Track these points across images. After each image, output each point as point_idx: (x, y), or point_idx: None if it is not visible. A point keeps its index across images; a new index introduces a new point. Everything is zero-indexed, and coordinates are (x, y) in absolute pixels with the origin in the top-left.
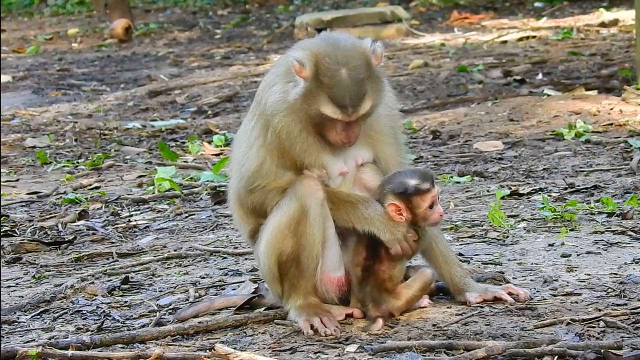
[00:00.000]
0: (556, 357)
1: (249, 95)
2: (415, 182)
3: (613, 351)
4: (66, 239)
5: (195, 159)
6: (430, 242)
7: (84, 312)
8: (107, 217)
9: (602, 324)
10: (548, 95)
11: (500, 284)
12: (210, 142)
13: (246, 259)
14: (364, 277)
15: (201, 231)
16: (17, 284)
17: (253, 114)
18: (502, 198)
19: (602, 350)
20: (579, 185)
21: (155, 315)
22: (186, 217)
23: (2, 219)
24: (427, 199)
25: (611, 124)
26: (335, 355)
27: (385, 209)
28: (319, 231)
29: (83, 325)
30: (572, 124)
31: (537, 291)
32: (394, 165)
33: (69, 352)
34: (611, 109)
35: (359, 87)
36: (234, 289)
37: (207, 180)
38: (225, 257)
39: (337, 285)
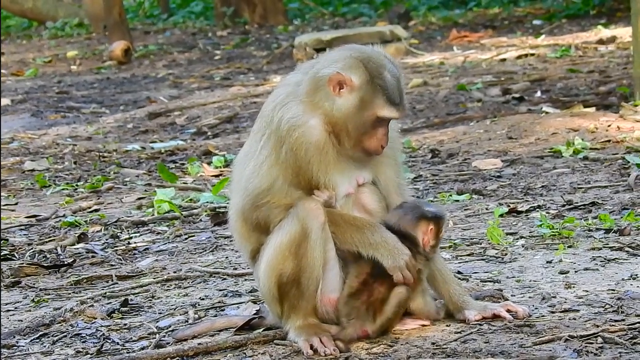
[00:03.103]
0: None
1: (249, 116)
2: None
3: None
4: (65, 262)
5: (194, 181)
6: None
7: (83, 335)
8: (107, 239)
9: (600, 340)
10: (546, 112)
11: (499, 302)
12: (209, 164)
13: (246, 279)
14: (359, 291)
15: (201, 252)
16: (16, 307)
17: (261, 133)
18: (501, 216)
19: None
20: (577, 202)
21: (155, 338)
22: (186, 238)
23: (1, 242)
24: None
25: (609, 141)
26: None
27: (418, 230)
28: (320, 254)
29: (82, 348)
30: (570, 141)
31: (536, 308)
32: (393, 186)
33: None
34: (609, 125)
35: (401, 85)
36: (234, 310)
37: (207, 202)
38: (225, 278)
39: (336, 306)
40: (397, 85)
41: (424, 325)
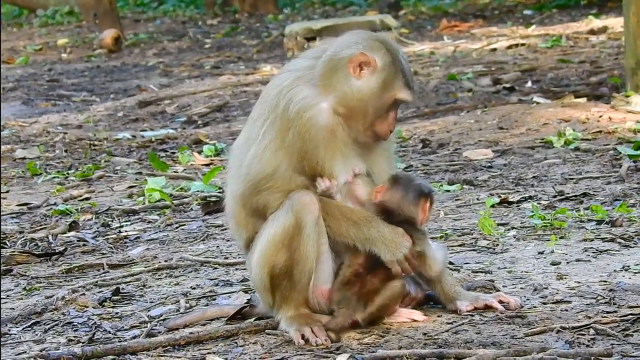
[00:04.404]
0: None
1: (239, 104)
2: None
3: (603, 359)
4: (57, 251)
5: (185, 169)
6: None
7: (75, 323)
8: (98, 228)
9: (592, 331)
10: (537, 103)
11: (491, 292)
12: (200, 152)
13: (237, 269)
14: (350, 281)
15: (192, 242)
16: (7, 295)
17: (264, 118)
18: (492, 206)
19: (592, 358)
20: (568, 193)
21: (146, 326)
22: (176, 227)
23: (0, 231)
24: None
25: (600, 132)
26: None
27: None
28: (313, 247)
29: (74, 336)
30: (561, 132)
31: (527, 299)
32: (386, 178)
33: None
34: (600, 116)
35: (410, 68)
36: (226, 300)
37: (198, 191)
38: (216, 268)
39: (328, 297)
40: (409, 68)
41: (415, 320)
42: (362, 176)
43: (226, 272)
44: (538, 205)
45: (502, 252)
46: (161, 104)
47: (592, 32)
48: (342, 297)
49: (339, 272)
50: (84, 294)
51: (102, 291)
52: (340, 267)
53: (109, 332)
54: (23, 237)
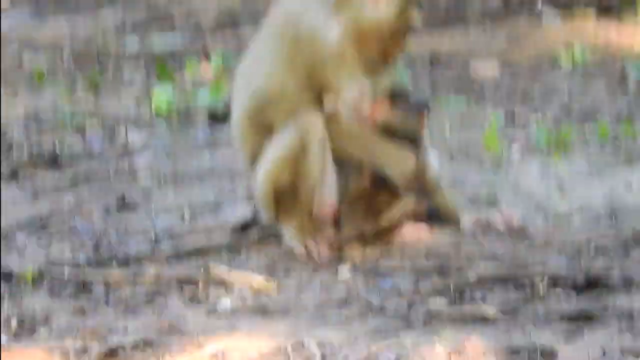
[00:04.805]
0: (546, 280)
1: (249, 14)
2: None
3: (603, 274)
4: (63, 159)
5: (193, 79)
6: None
7: (80, 231)
8: (104, 136)
9: (592, 248)
10: (546, 18)
11: (494, 209)
12: (209, 62)
13: (242, 178)
14: (357, 198)
15: (198, 152)
16: (14, 203)
17: (273, 37)
18: (498, 123)
19: (591, 273)
20: (574, 110)
21: (151, 236)
22: (183, 137)
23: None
24: None
25: (609, 48)
26: (329, 276)
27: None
28: (318, 168)
29: (80, 245)
30: (569, 48)
31: (530, 215)
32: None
33: (65, 272)
34: (609, 32)
35: None
36: (230, 210)
37: (205, 101)
38: (221, 178)
39: (333, 212)
40: None
41: (421, 235)
42: (369, 95)
43: (231, 182)
44: (544, 122)
45: (506, 169)
46: (171, 13)
47: None
48: (348, 213)
49: (345, 190)
50: (89, 203)
51: (107, 200)
52: (347, 184)
53: (114, 241)
54: (30, 144)
